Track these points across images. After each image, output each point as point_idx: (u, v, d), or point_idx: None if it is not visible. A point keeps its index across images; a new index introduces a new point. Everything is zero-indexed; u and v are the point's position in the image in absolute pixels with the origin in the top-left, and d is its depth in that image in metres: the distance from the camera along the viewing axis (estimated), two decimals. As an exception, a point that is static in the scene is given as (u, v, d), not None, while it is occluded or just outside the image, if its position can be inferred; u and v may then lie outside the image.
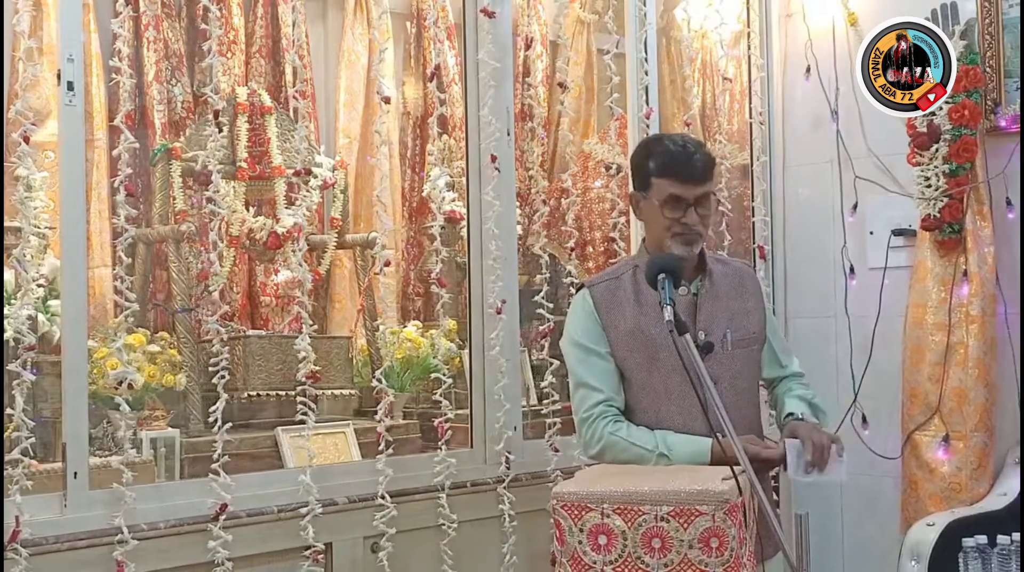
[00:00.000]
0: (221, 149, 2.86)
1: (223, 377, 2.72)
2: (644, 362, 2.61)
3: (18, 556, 2.33)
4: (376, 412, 3.20)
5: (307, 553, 2.78)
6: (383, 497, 2.94)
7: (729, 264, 2.80)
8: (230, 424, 2.71)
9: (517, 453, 3.28)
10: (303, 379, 2.85)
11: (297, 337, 2.90)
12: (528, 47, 4.30)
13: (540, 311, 3.38)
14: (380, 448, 2.97)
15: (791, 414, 2.72)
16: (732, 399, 2.59)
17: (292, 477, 2.85)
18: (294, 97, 3.46)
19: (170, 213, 3.43)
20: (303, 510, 2.79)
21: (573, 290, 3.46)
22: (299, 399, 2.84)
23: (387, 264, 3.18)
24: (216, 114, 2.79)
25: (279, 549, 2.78)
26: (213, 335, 2.76)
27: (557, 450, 3.32)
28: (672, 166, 2.58)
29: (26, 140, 2.44)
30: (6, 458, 2.37)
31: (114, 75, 2.86)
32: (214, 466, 2.68)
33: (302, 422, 2.85)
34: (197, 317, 3.36)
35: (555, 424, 3.34)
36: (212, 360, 2.74)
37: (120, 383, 2.59)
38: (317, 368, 2.90)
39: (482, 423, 3.25)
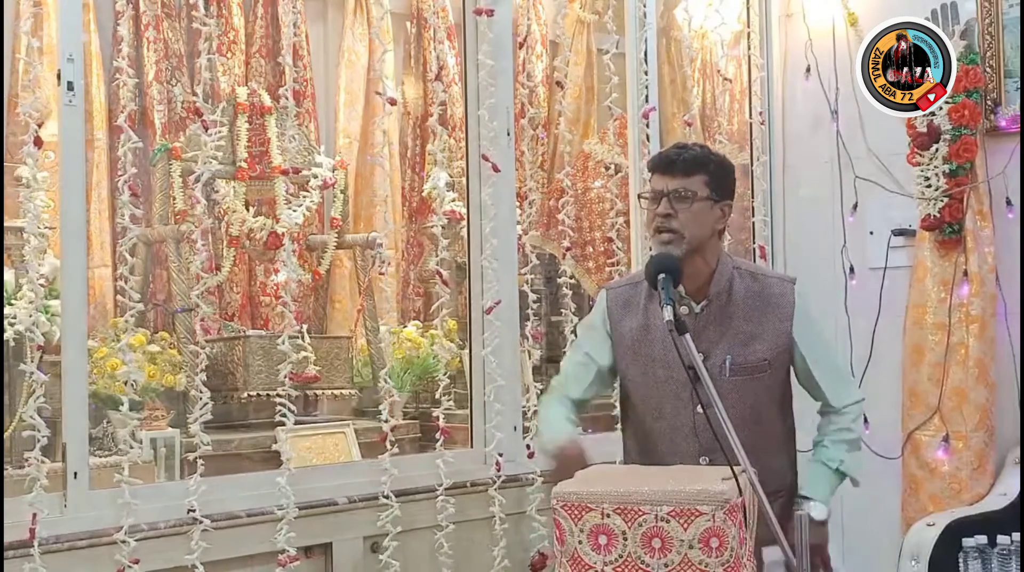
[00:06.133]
0: (217, 150, 2.85)
1: (204, 377, 2.72)
2: (640, 377, 2.60)
3: (31, 553, 2.33)
4: (377, 412, 3.19)
5: (280, 556, 2.75)
6: (387, 497, 2.93)
7: (760, 280, 2.61)
8: (202, 424, 2.69)
9: (517, 453, 3.28)
10: (284, 379, 2.84)
11: (297, 337, 2.90)
12: (523, 47, 4.30)
13: (528, 311, 3.37)
14: (386, 446, 2.97)
15: (803, 497, 2.58)
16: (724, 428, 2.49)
17: (289, 478, 2.84)
18: (284, 96, 3.46)
19: (170, 213, 3.43)
20: (279, 512, 2.76)
21: (568, 290, 3.47)
22: (278, 400, 2.83)
23: (388, 264, 3.18)
24: (199, 112, 2.78)
25: (278, 549, 2.77)
26: (197, 336, 2.76)
27: (531, 455, 3.28)
28: (654, 159, 2.62)
29: (36, 142, 2.43)
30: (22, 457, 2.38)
31: (116, 75, 2.86)
32: (195, 463, 2.68)
33: (303, 422, 2.85)
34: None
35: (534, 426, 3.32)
36: (200, 360, 2.74)
37: (125, 382, 2.59)
38: (317, 368, 2.90)
39: (482, 423, 3.24)
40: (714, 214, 2.53)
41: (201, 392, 2.70)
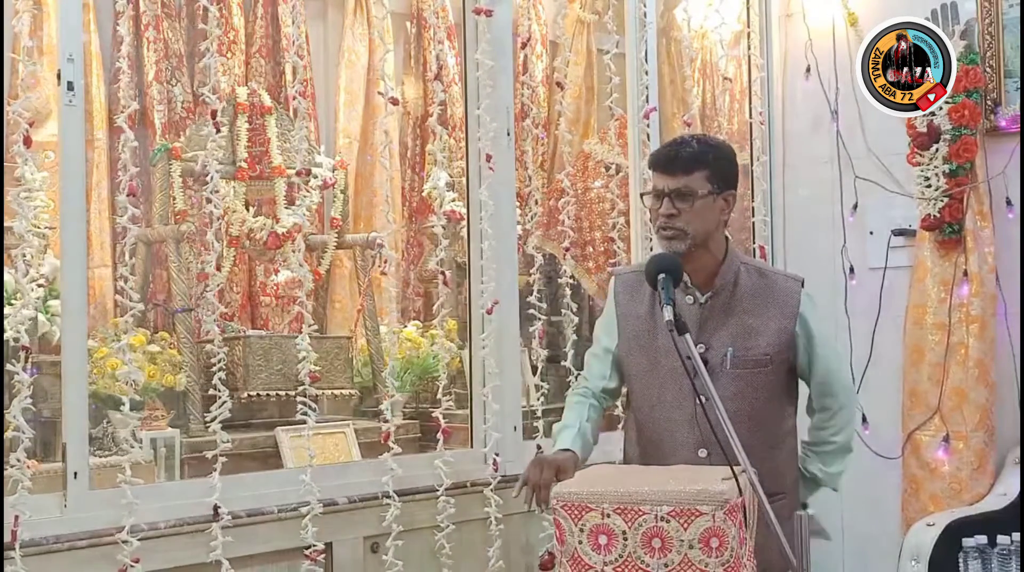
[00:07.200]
0: (219, 149, 2.84)
1: (222, 376, 2.72)
2: (644, 366, 2.60)
3: (13, 555, 2.32)
4: (377, 412, 3.19)
5: (308, 552, 2.77)
6: (388, 497, 2.93)
7: (767, 276, 2.62)
8: (220, 423, 2.69)
9: (517, 453, 3.27)
10: (303, 379, 2.85)
11: (297, 337, 2.90)
12: (525, 47, 4.30)
13: (531, 311, 3.37)
14: (389, 446, 2.97)
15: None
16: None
17: (292, 477, 2.85)
18: (294, 97, 3.46)
19: (170, 213, 3.43)
20: (303, 509, 2.78)
21: (569, 290, 3.46)
22: (299, 399, 2.83)
23: (389, 263, 3.18)
24: (213, 114, 2.79)
25: (279, 549, 2.77)
26: (212, 335, 2.76)
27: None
28: (653, 157, 2.63)
29: (26, 142, 2.42)
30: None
31: (117, 75, 2.86)
32: (215, 461, 2.68)
33: (302, 422, 2.85)
34: (197, 317, 3.36)
35: (540, 425, 3.33)
36: (212, 360, 2.73)
37: (126, 383, 2.59)
38: (317, 368, 2.90)
39: (481, 423, 3.24)
40: (718, 206, 2.54)
41: (220, 391, 2.70)
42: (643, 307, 2.60)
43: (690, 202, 2.49)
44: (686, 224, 2.49)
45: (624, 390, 2.77)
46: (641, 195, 2.88)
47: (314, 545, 2.77)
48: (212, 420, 2.69)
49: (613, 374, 2.69)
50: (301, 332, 2.87)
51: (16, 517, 2.33)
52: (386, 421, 2.99)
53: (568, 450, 2.53)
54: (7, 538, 2.33)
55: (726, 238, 2.61)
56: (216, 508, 2.62)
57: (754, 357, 2.54)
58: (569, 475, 2.39)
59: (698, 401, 2.46)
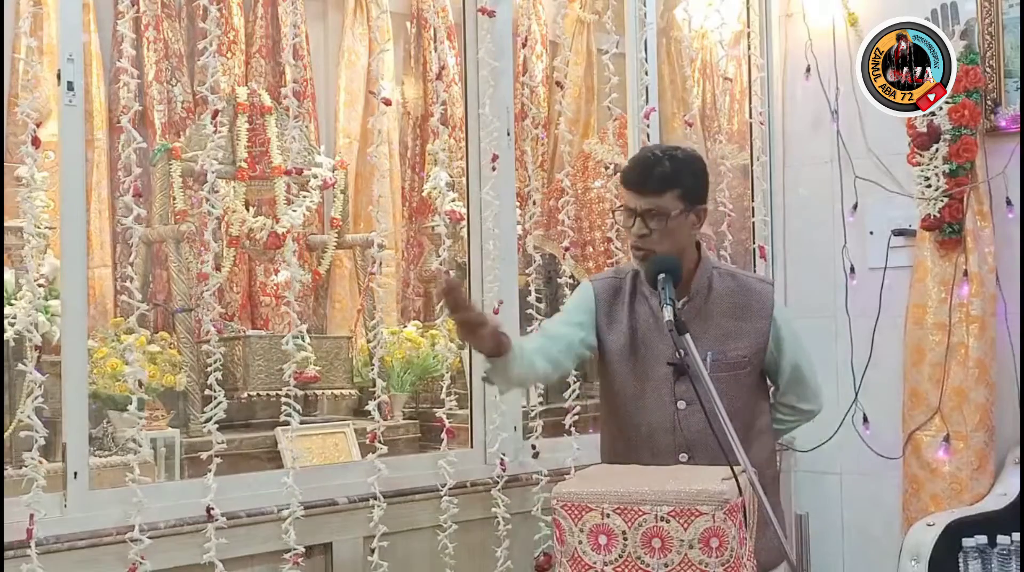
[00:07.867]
0: (219, 149, 2.84)
1: (219, 376, 2.72)
2: (624, 371, 2.59)
3: (29, 554, 2.32)
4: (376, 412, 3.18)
5: (286, 555, 2.74)
6: (375, 498, 2.93)
7: (740, 280, 2.63)
8: (217, 424, 2.68)
9: (517, 453, 3.27)
10: (288, 379, 2.83)
11: (298, 337, 2.90)
12: (525, 47, 4.30)
13: (530, 311, 3.37)
14: (375, 446, 2.96)
15: None
16: (705, 424, 2.36)
17: (293, 477, 2.85)
18: (287, 96, 3.45)
19: (170, 213, 3.43)
20: (284, 512, 2.76)
21: (568, 291, 3.46)
22: (283, 400, 2.82)
23: (381, 264, 3.18)
24: (215, 114, 2.79)
25: (278, 549, 2.77)
26: (210, 335, 2.75)
27: (536, 455, 3.28)
28: (625, 175, 2.58)
29: (35, 142, 2.42)
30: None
31: (118, 75, 2.86)
32: (210, 461, 2.66)
33: (304, 422, 2.84)
34: (197, 317, 3.36)
35: (538, 426, 3.32)
36: (215, 360, 2.72)
37: (138, 383, 2.59)
38: (316, 368, 2.90)
39: (482, 423, 3.24)
40: (689, 221, 2.52)
41: (216, 391, 2.69)
42: (624, 313, 2.60)
43: (663, 222, 2.48)
44: (657, 243, 2.48)
45: (599, 400, 2.74)
46: (612, 211, 2.86)
47: (294, 549, 2.74)
48: (207, 420, 2.69)
49: (565, 347, 2.55)
50: (301, 332, 2.87)
51: (31, 516, 2.34)
52: (376, 421, 2.98)
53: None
54: (22, 536, 2.33)
55: (698, 244, 2.60)
56: (209, 509, 2.62)
57: (733, 360, 2.55)
58: (483, 329, 2.24)
59: (678, 405, 2.49)
